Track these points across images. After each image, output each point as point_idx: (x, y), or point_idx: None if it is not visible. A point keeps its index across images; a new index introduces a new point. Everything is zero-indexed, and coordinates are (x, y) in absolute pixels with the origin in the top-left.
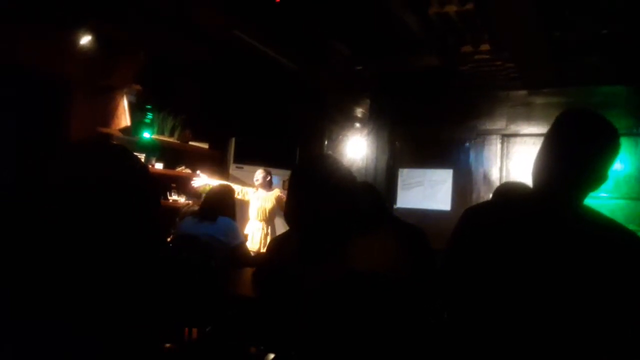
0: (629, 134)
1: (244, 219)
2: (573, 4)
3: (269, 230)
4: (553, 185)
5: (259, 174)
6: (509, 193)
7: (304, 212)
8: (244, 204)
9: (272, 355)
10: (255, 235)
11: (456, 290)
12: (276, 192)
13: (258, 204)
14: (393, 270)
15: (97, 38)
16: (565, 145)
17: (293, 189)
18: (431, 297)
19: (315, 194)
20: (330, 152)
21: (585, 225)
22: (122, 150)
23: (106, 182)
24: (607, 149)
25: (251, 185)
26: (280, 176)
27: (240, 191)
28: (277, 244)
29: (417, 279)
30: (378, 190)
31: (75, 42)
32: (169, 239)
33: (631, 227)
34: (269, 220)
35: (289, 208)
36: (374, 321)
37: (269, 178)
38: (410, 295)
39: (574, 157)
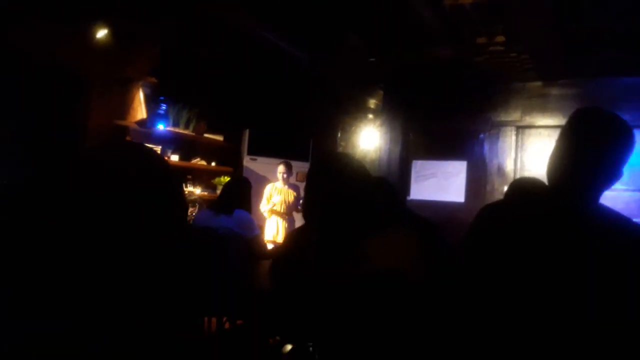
0: None
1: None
2: None
3: (289, 223)
4: (569, 184)
5: (282, 167)
6: (523, 190)
7: (319, 209)
8: (261, 197)
9: (289, 347)
10: (277, 227)
11: (474, 290)
12: (298, 186)
13: (280, 197)
14: (410, 267)
15: (114, 31)
16: (580, 143)
17: (309, 185)
18: (448, 295)
19: (331, 191)
20: (343, 146)
21: (602, 224)
22: (142, 149)
23: (129, 182)
24: (622, 147)
25: (266, 176)
26: (294, 168)
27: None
28: (295, 237)
29: (434, 277)
30: (393, 186)
31: (92, 35)
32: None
33: None
34: (289, 212)
35: (306, 204)
36: (390, 317)
37: (291, 171)
38: (427, 293)
39: (589, 156)
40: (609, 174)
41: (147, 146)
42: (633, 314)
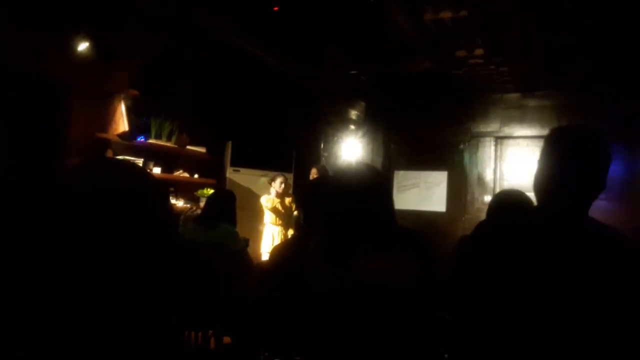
0: (619, 136)
1: (250, 223)
2: (567, 12)
3: (287, 234)
4: (559, 201)
5: (278, 179)
6: (509, 207)
7: (332, 220)
8: (249, 209)
9: None
10: (275, 239)
11: (471, 312)
12: (291, 197)
13: (275, 209)
14: (408, 283)
15: (95, 44)
16: (564, 161)
17: (328, 196)
18: (439, 309)
19: (351, 205)
20: (326, 156)
21: (596, 238)
22: (126, 166)
23: (114, 201)
24: (603, 159)
25: (249, 188)
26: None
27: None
28: (283, 252)
29: (427, 291)
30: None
31: (73, 48)
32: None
33: (618, 226)
34: (286, 224)
35: (320, 214)
36: (384, 332)
37: (285, 183)
38: (422, 307)
39: (574, 172)
40: (594, 187)
41: (131, 162)
42: (629, 330)
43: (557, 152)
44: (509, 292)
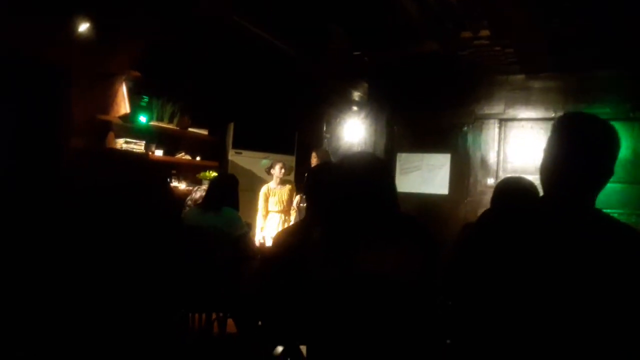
0: (625, 118)
1: (252, 207)
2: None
3: (290, 220)
4: (568, 190)
5: (277, 165)
6: (514, 195)
7: (337, 208)
8: (251, 192)
9: (280, 348)
10: (280, 226)
11: (469, 305)
12: (290, 183)
13: (277, 196)
14: (412, 275)
15: (96, 25)
16: (573, 148)
17: (333, 184)
18: (442, 296)
19: (355, 193)
20: (328, 138)
21: (604, 230)
22: (130, 159)
23: (118, 196)
24: (612, 147)
25: (251, 170)
26: (279, 161)
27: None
28: (287, 239)
29: (429, 279)
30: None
31: (74, 29)
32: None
33: (626, 210)
34: (288, 210)
35: (324, 202)
36: (388, 321)
37: (284, 169)
38: (424, 295)
39: (584, 160)
40: (602, 175)
41: (131, 155)
42: (632, 323)
43: (564, 139)
44: (512, 280)
